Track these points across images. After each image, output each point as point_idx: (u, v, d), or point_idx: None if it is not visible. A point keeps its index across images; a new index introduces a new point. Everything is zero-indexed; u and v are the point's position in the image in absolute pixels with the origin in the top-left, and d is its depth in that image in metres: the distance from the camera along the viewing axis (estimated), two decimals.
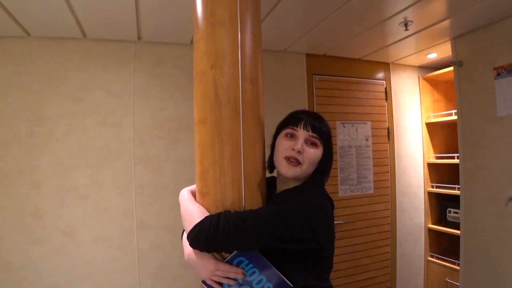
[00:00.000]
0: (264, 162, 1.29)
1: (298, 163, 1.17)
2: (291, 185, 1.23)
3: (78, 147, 2.28)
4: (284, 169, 1.19)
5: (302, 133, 1.19)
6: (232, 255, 1.08)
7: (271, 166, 1.30)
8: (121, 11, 1.98)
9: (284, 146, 1.21)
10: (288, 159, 1.18)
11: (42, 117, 2.23)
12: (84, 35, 2.29)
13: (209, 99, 1.18)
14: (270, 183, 1.32)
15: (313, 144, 1.20)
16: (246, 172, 1.18)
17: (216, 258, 1.09)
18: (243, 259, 1.09)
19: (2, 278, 2.12)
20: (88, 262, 2.26)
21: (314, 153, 1.19)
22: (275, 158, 1.24)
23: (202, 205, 1.20)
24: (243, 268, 1.08)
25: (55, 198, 2.23)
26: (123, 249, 2.33)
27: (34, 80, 2.23)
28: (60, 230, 2.23)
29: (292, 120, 1.24)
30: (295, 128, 1.21)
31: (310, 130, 1.19)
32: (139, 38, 2.39)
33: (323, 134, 1.21)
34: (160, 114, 2.46)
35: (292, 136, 1.21)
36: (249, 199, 1.17)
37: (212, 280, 1.08)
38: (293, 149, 1.17)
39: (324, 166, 1.25)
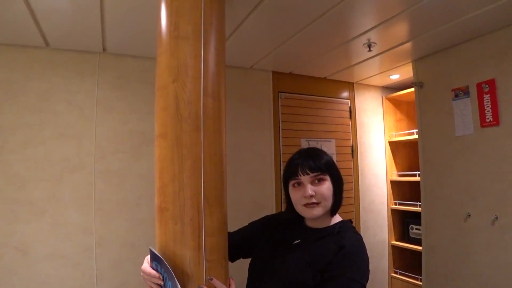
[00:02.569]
0: (225, 178, 1.27)
1: (316, 204, 1.21)
2: (322, 221, 1.28)
3: (35, 159, 2.18)
4: (308, 213, 1.23)
5: (305, 179, 1.22)
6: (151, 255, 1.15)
7: (294, 210, 1.31)
8: (86, 21, 1.93)
9: (297, 197, 1.25)
10: (305, 205, 1.22)
11: None
12: (47, 44, 2.22)
13: (169, 112, 1.17)
14: (295, 220, 1.37)
15: (320, 181, 1.23)
16: (206, 188, 1.16)
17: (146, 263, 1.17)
18: (156, 263, 1.13)
19: None
20: (42, 281, 2.14)
21: (325, 188, 1.22)
22: (296, 208, 1.28)
23: (160, 221, 1.17)
24: (160, 273, 1.11)
25: (8, 213, 2.11)
26: (81, 267, 2.23)
27: None
28: (13, 247, 2.11)
29: (291, 171, 1.26)
30: (297, 177, 1.23)
31: (309, 172, 1.21)
32: (104, 49, 2.35)
33: (323, 168, 1.23)
34: (123, 127, 2.40)
35: (299, 185, 1.25)
36: (208, 215, 1.16)
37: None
38: (305, 197, 1.21)
39: (339, 194, 1.28)
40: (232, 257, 1.40)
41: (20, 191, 2.15)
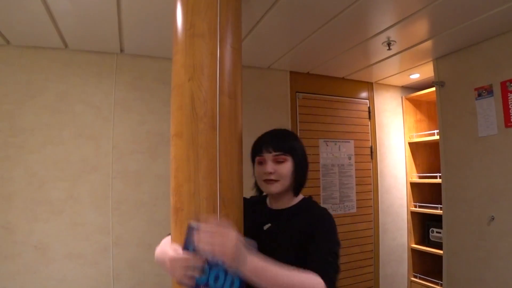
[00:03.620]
0: (241, 178, 1.25)
1: (274, 181, 1.30)
2: (284, 201, 1.37)
3: (54, 159, 2.21)
4: (267, 188, 1.33)
5: (267, 157, 1.31)
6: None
7: (259, 190, 1.43)
8: (103, 23, 1.95)
9: (259, 173, 1.34)
10: (265, 181, 1.31)
11: (17, 128, 2.16)
12: (66, 45, 2.25)
13: (185, 112, 1.15)
14: (258, 201, 1.47)
15: (281, 161, 1.31)
16: (222, 189, 1.14)
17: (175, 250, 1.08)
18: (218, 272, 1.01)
19: None
20: (60, 280, 2.16)
21: (284, 168, 1.30)
22: (258, 183, 1.39)
23: (176, 221, 1.16)
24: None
25: (28, 212, 2.14)
26: (98, 266, 2.24)
27: (11, 89, 2.17)
28: (32, 246, 2.14)
29: (256, 148, 1.37)
30: (261, 154, 1.33)
31: (272, 151, 1.31)
32: (121, 50, 2.36)
33: (286, 149, 1.32)
34: (140, 128, 2.41)
35: (261, 163, 1.33)
36: (224, 216, 1.13)
37: (182, 278, 1.02)
38: (265, 173, 1.30)
39: (300, 175, 1.37)
40: None
41: (39, 190, 2.18)
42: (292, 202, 1.37)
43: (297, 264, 1.11)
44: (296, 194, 1.38)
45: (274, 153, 1.30)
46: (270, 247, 1.20)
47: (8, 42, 2.15)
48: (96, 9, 1.80)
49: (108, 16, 1.87)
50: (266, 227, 1.35)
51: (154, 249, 1.38)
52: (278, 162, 1.30)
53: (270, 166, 1.30)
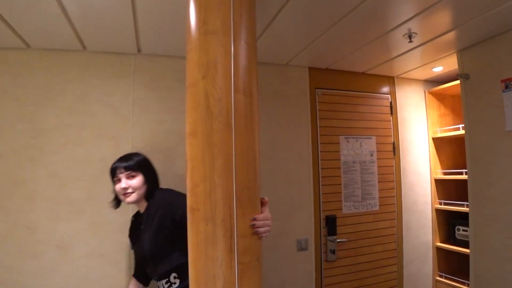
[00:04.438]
0: (258, 177, 1.22)
1: (130, 193, 1.76)
2: (144, 205, 1.85)
3: (74, 160, 2.24)
4: (125, 199, 1.78)
5: (121, 176, 1.77)
6: None
7: (118, 202, 1.93)
8: (119, 23, 1.95)
9: (117, 189, 1.79)
10: (123, 195, 1.77)
11: (38, 129, 2.20)
12: (84, 47, 2.27)
13: (200, 110, 1.14)
14: (136, 215, 2.01)
15: (132, 177, 1.78)
16: (238, 188, 1.12)
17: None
18: None
19: None
20: (81, 278, 2.19)
21: (135, 182, 1.77)
22: (119, 197, 1.85)
23: (192, 221, 1.14)
24: None
25: (50, 212, 2.18)
26: (118, 265, 2.26)
27: (31, 92, 2.20)
28: (54, 245, 2.17)
29: (112, 173, 1.81)
30: (116, 176, 1.79)
31: (123, 172, 1.77)
32: (138, 50, 2.37)
33: (133, 167, 1.78)
34: (159, 127, 2.41)
35: (119, 181, 1.78)
36: (241, 216, 1.11)
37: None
38: (122, 188, 1.76)
39: (151, 182, 1.86)
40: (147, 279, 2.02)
41: (60, 190, 2.21)
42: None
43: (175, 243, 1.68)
44: (148, 198, 1.82)
45: (125, 173, 1.76)
46: (148, 244, 1.73)
47: (28, 45, 2.19)
48: (112, 10, 1.80)
49: (124, 17, 1.88)
50: (141, 227, 1.82)
51: None
52: (130, 177, 1.77)
53: (124, 183, 1.75)
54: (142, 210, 1.85)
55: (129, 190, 1.74)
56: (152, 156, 2.33)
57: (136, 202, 1.79)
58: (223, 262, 1.09)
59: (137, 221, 1.92)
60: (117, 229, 2.27)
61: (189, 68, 1.21)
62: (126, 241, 2.26)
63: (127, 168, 1.76)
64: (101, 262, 2.23)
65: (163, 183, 2.36)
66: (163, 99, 2.44)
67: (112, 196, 1.92)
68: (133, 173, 1.77)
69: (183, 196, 1.46)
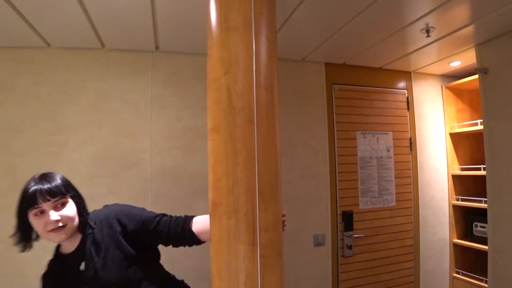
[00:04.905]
0: (279, 172, 1.24)
1: (62, 227, 1.22)
2: (77, 239, 1.32)
3: (94, 156, 2.28)
4: (57, 238, 1.24)
5: (46, 206, 1.20)
6: None
7: (27, 243, 1.29)
8: (138, 21, 1.98)
9: (41, 226, 1.21)
10: (52, 231, 1.21)
11: (59, 126, 2.25)
12: (103, 45, 2.30)
13: (222, 106, 1.15)
14: (56, 263, 1.37)
15: (62, 204, 1.24)
16: (260, 182, 1.13)
17: None
18: None
19: (18, 286, 2.13)
20: None
21: (68, 211, 1.24)
22: (43, 237, 1.25)
23: (214, 216, 1.16)
24: None
25: None
26: None
27: (52, 90, 2.25)
28: None
29: (28, 200, 1.19)
30: (37, 205, 1.19)
31: (50, 198, 1.20)
32: (156, 48, 2.40)
33: (61, 191, 1.23)
34: (177, 123, 2.44)
35: (42, 213, 1.20)
36: (263, 210, 1.12)
37: None
38: (50, 223, 1.20)
39: (83, 210, 1.34)
40: None
41: (81, 186, 2.21)
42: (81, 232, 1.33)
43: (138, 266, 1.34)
44: (81, 229, 1.32)
45: (53, 200, 1.20)
46: (106, 279, 1.28)
47: (48, 44, 2.24)
48: (131, 8, 1.83)
49: (143, 15, 1.90)
50: (81, 269, 1.30)
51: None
52: (60, 207, 1.23)
53: (53, 215, 1.19)
54: (71, 249, 1.31)
55: (60, 224, 1.21)
56: (171, 152, 2.38)
57: (68, 238, 1.27)
58: (245, 256, 1.10)
59: (65, 266, 1.33)
60: None
61: (211, 65, 1.22)
62: None
63: (52, 193, 1.20)
64: None
65: (182, 179, 2.40)
66: (180, 95, 2.47)
67: (15, 233, 1.28)
68: (62, 199, 1.24)
69: (128, 206, 1.43)
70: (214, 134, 1.18)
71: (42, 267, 2.11)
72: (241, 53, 1.16)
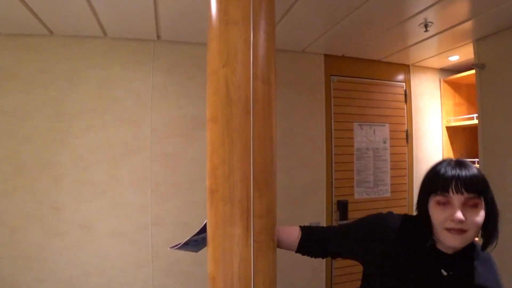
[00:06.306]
0: (274, 161, 1.29)
1: (463, 232, 0.99)
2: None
3: (96, 143, 2.33)
4: (450, 241, 1.01)
5: (456, 199, 0.99)
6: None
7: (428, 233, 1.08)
8: (140, 10, 2.01)
9: (440, 218, 1.02)
10: (449, 230, 1.00)
11: (63, 113, 2.29)
12: (105, 33, 2.34)
13: (220, 97, 1.19)
14: (410, 228, 1.15)
15: (474, 206, 0.99)
16: (255, 171, 1.18)
17: None
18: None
19: (22, 268, 2.19)
20: (103, 256, 2.31)
21: (477, 216, 0.99)
22: (434, 228, 1.05)
23: (211, 202, 1.21)
24: None
25: (74, 193, 2.29)
26: (138, 244, 2.37)
27: (56, 77, 2.29)
28: (78, 224, 2.28)
29: (439, 183, 1.02)
30: (446, 194, 1.00)
31: (465, 192, 0.98)
32: (158, 37, 2.43)
33: (480, 189, 0.99)
34: (177, 112, 2.49)
35: (445, 204, 1.01)
36: (257, 197, 1.18)
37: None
38: (452, 220, 0.99)
39: (491, 225, 1.04)
40: (323, 252, 1.36)
41: (84, 172, 2.31)
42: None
43: None
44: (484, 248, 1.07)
45: (467, 195, 0.98)
46: None
47: (51, 32, 2.27)
48: None
49: (144, 3, 1.93)
50: (444, 273, 1.07)
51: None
52: (469, 207, 0.99)
53: (460, 213, 0.97)
54: (447, 251, 1.07)
55: (463, 227, 0.98)
56: (171, 139, 2.43)
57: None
58: (240, 240, 1.16)
59: (428, 260, 1.09)
60: (136, 210, 2.37)
61: (210, 57, 1.26)
62: (145, 221, 2.37)
63: (471, 189, 0.98)
64: (122, 241, 2.34)
65: (181, 166, 2.45)
66: (181, 85, 2.51)
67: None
68: (477, 200, 0.99)
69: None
70: (212, 124, 1.22)
71: (44, 250, 2.20)
72: (240, 46, 1.20)
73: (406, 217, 1.21)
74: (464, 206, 0.98)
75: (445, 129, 3.26)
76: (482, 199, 1.00)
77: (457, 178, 0.99)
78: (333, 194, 2.84)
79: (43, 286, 2.22)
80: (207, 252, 1.25)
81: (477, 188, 0.98)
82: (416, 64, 3.19)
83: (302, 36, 2.50)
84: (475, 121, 2.81)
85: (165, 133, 2.45)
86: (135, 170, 2.39)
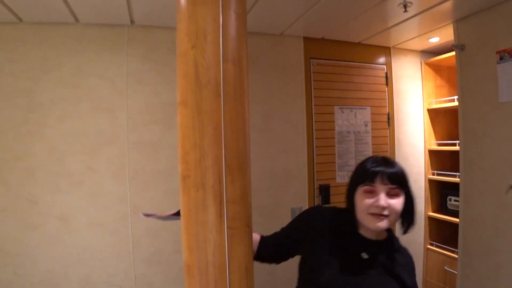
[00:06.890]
0: (247, 145, 1.26)
1: (384, 216, 1.17)
2: (377, 233, 1.26)
3: (72, 133, 2.27)
4: (373, 223, 1.18)
5: (381, 188, 1.17)
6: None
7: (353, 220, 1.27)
8: None
9: (366, 204, 1.19)
10: (372, 215, 1.18)
11: (36, 104, 2.22)
12: (76, 19, 2.26)
13: (189, 80, 1.15)
14: (341, 221, 1.32)
15: (395, 195, 1.18)
16: (227, 155, 1.15)
17: None
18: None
19: None
20: (83, 248, 2.27)
21: (397, 204, 1.18)
22: (358, 215, 1.23)
23: (183, 188, 1.18)
24: None
25: (50, 184, 2.23)
26: (118, 234, 2.33)
27: (27, 66, 2.21)
28: (55, 216, 2.23)
29: (368, 175, 1.19)
30: (372, 184, 1.18)
31: (388, 183, 1.17)
32: (132, 22, 2.36)
33: (401, 182, 1.19)
34: (154, 99, 2.43)
35: (371, 193, 1.19)
36: (230, 182, 1.15)
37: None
38: (376, 206, 1.16)
39: (410, 212, 1.24)
40: (278, 258, 1.45)
41: (59, 163, 2.25)
42: (384, 235, 1.29)
43: None
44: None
45: (390, 186, 1.17)
46: (367, 278, 1.19)
47: (20, 19, 2.18)
48: None
49: None
50: (363, 256, 1.23)
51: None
52: (391, 195, 1.17)
53: (383, 200, 1.15)
54: (365, 234, 1.26)
55: (385, 212, 1.16)
56: (148, 127, 2.38)
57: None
58: (213, 227, 1.13)
59: (350, 244, 1.26)
60: (115, 200, 2.33)
61: (179, 38, 1.21)
62: (124, 210, 2.33)
63: (393, 180, 1.17)
64: (101, 231, 2.30)
65: (160, 154, 2.41)
66: (157, 71, 2.45)
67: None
68: (398, 190, 1.18)
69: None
70: (182, 108, 1.18)
71: (21, 244, 2.15)
72: (209, 27, 1.16)
73: (335, 208, 1.40)
74: (387, 195, 1.16)
75: (426, 112, 3.26)
76: (403, 191, 1.19)
77: (383, 172, 1.17)
78: (315, 179, 2.83)
79: (22, 280, 2.17)
80: (182, 239, 1.22)
81: (399, 181, 1.18)
82: (397, 46, 3.17)
83: (280, 18, 2.45)
84: (456, 103, 2.82)
85: (142, 120, 2.39)
86: (113, 160, 2.33)
